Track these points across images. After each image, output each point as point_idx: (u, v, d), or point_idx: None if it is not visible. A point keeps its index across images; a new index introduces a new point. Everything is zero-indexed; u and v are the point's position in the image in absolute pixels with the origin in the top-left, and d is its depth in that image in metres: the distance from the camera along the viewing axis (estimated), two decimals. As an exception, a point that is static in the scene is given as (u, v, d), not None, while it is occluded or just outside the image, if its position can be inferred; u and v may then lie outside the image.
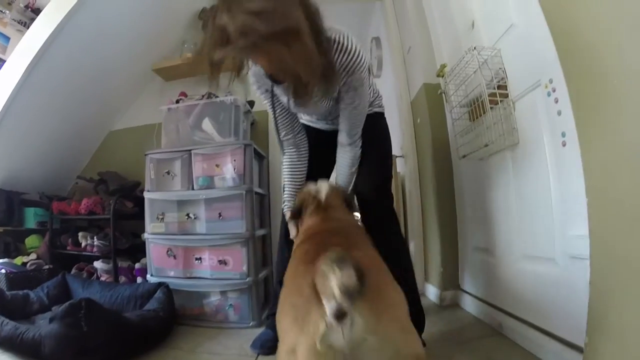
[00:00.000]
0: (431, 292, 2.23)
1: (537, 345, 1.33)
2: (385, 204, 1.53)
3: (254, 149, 2.11)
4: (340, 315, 0.63)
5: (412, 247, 2.45)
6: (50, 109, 2.49)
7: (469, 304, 1.92)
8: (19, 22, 2.76)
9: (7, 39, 2.73)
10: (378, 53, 3.13)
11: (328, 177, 1.54)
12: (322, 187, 1.28)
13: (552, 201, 1.31)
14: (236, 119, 2.13)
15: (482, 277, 1.83)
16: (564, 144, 1.23)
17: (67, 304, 1.50)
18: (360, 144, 1.44)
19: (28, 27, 2.73)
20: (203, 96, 2.25)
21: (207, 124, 2.11)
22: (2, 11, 2.70)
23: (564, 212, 1.25)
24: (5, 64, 2.37)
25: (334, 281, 0.62)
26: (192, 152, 2.08)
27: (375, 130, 1.54)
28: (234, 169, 1.97)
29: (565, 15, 1.11)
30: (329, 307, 0.63)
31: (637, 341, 0.88)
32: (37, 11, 2.79)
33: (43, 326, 1.62)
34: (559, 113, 1.23)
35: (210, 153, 2.05)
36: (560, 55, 1.14)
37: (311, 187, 1.30)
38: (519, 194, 1.52)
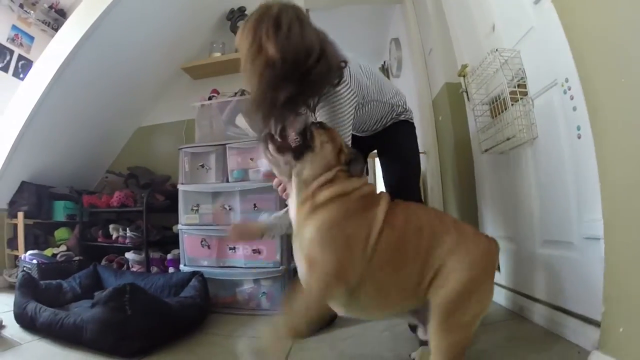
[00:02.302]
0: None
1: (557, 324, 1.52)
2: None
3: (287, 143, 2.31)
4: None
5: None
6: (80, 107, 2.71)
7: (492, 291, 2.12)
8: (43, 22, 2.98)
9: (32, 38, 2.95)
10: (398, 54, 3.36)
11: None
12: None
13: (568, 189, 1.50)
14: None
15: (505, 264, 2.03)
16: (579, 137, 1.42)
17: (111, 288, 1.61)
18: None
19: (52, 27, 2.98)
20: (236, 93, 2.48)
21: (240, 120, 2.33)
22: (26, 11, 2.91)
23: (580, 199, 1.44)
24: (36, 64, 2.61)
25: None
26: (227, 146, 2.29)
27: (400, 137, 1.76)
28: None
29: (579, 18, 1.30)
30: None
31: None
32: (60, 12, 3.03)
33: (84, 311, 1.75)
34: (574, 109, 1.42)
35: (245, 147, 2.27)
36: (575, 55, 1.34)
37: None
38: (538, 184, 1.72)
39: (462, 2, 2.28)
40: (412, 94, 2.82)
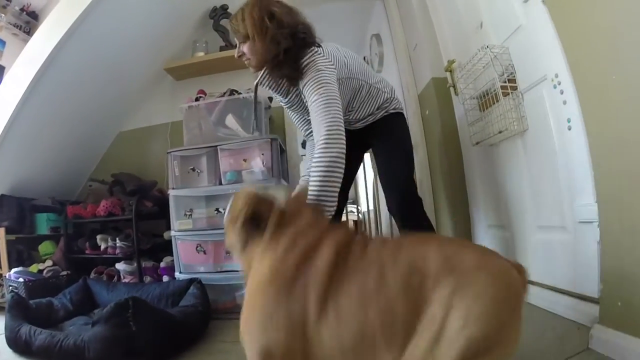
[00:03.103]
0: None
1: (553, 303, 1.65)
2: (414, 204, 1.77)
3: (279, 143, 2.35)
4: None
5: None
6: (59, 114, 2.63)
7: (485, 278, 2.25)
8: (14, 26, 2.86)
9: (3, 43, 2.83)
10: (379, 49, 3.44)
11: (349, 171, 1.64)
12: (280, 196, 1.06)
13: (559, 177, 1.62)
14: (259, 114, 2.35)
15: (498, 251, 2.15)
16: (569, 128, 1.53)
17: (112, 304, 1.56)
18: (321, 140, 1.35)
19: (24, 31, 2.87)
20: (224, 93, 2.48)
21: (230, 120, 2.34)
22: (-4, 15, 2.78)
23: (571, 185, 1.56)
24: (10, 71, 2.50)
25: None
26: (218, 147, 2.29)
27: (388, 128, 1.81)
28: (263, 163, 2.21)
29: (571, 16, 1.41)
30: None
31: None
32: (32, 14, 2.91)
33: (82, 330, 1.73)
34: (564, 102, 1.53)
35: (237, 148, 2.28)
36: (567, 52, 1.46)
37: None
38: (529, 174, 1.84)
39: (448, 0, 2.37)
40: (397, 89, 2.87)
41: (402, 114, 1.88)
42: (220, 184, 2.31)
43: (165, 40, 2.82)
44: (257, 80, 1.62)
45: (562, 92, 1.56)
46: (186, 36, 2.92)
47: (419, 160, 2.73)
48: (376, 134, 1.82)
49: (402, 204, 1.76)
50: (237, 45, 1.56)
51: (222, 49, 2.83)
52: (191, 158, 2.38)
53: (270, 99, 2.63)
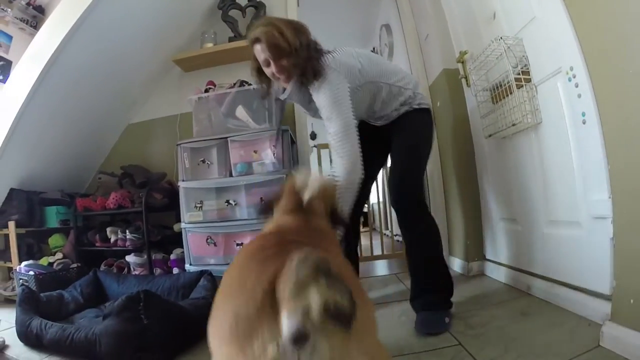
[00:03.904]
0: (457, 265, 2.58)
1: (565, 299, 1.66)
2: (409, 198, 1.76)
3: (290, 134, 2.37)
4: (300, 338, 0.50)
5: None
6: (67, 107, 2.66)
7: (496, 272, 2.26)
8: (21, 20, 2.88)
9: (10, 37, 2.85)
10: (389, 40, 3.42)
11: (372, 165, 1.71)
12: (298, 183, 1.13)
13: (574, 171, 1.62)
14: (270, 105, 2.36)
15: (509, 245, 2.17)
16: (584, 122, 1.52)
17: (123, 297, 1.55)
18: (341, 174, 1.50)
19: (30, 25, 2.88)
20: (234, 84, 2.48)
21: (241, 112, 2.34)
22: (3, 9, 2.80)
23: (585, 180, 1.56)
24: (17, 66, 2.53)
25: (315, 295, 0.49)
26: (229, 139, 2.31)
27: (407, 123, 1.82)
28: (274, 154, 2.22)
29: (587, 8, 1.40)
30: (287, 325, 0.50)
31: None
32: (39, 9, 2.93)
33: (93, 323, 1.75)
34: (579, 96, 1.52)
35: (247, 140, 2.29)
36: (583, 45, 1.45)
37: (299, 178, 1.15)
38: (542, 167, 1.84)
39: (461, -10, 2.35)
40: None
41: (425, 110, 1.86)
42: (231, 175, 2.32)
43: (173, 31, 2.83)
44: (284, 96, 1.73)
45: (577, 85, 1.55)
46: (194, 27, 2.93)
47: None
48: (395, 130, 1.85)
49: (399, 200, 1.77)
50: (271, 62, 1.58)
51: (230, 39, 2.84)
52: (201, 150, 2.40)
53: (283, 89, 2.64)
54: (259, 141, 2.28)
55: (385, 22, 3.57)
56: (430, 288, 1.73)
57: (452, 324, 1.65)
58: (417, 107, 1.82)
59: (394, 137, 1.85)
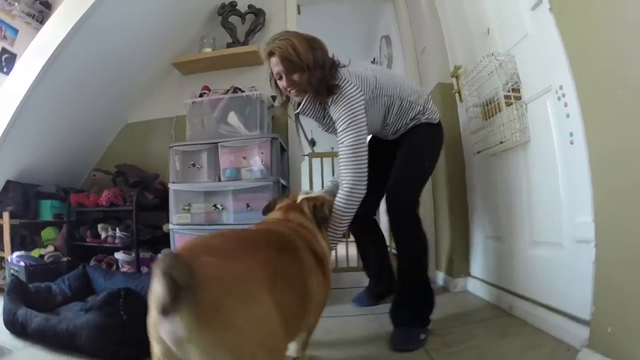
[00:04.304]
0: (442, 279, 2.49)
1: (545, 322, 1.57)
2: (402, 206, 1.71)
3: (280, 142, 2.32)
4: (164, 312, 0.68)
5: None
6: (67, 103, 2.63)
7: (480, 290, 2.18)
8: (27, 15, 2.88)
9: (16, 31, 2.84)
10: (388, 51, 3.37)
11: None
12: (301, 195, 1.46)
13: (559, 192, 1.55)
14: (261, 113, 2.34)
15: (494, 263, 2.09)
16: (571, 142, 1.46)
17: (105, 293, 1.57)
18: (345, 188, 1.55)
19: (37, 20, 2.87)
20: (228, 90, 2.44)
21: (232, 118, 2.31)
22: (10, 3, 2.80)
23: (571, 202, 1.48)
24: (21, 58, 2.51)
25: (154, 291, 0.68)
26: (219, 144, 2.27)
27: (414, 135, 1.80)
28: (262, 161, 2.18)
29: (578, 26, 1.34)
30: (155, 301, 0.68)
31: (635, 307, 1.11)
32: (45, 4, 2.92)
33: (76, 315, 1.73)
34: (568, 116, 1.46)
35: (237, 146, 2.25)
36: (572, 63, 1.38)
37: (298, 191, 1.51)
38: (529, 187, 1.77)
39: (457, 4, 2.30)
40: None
41: (432, 124, 1.83)
42: (220, 180, 2.28)
43: (173, 35, 2.80)
44: (297, 111, 1.73)
45: (566, 105, 1.49)
46: (194, 32, 2.89)
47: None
48: (402, 141, 1.83)
49: (392, 205, 1.71)
50: (283, 76, 1.60)
51: (229, 45, 2.80)
52: (192, 153, 2.36)
53: (274, 97, 2.59)
54: (249, 148, 2.24)
55: (386, 33, 3.53)
56: (409, 303, 1.66)
57: (427, 341, 1.58)
58: (425, 121, 1.79)
59: (399, 147, 1.82)
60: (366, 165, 1.56)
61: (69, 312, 1.94)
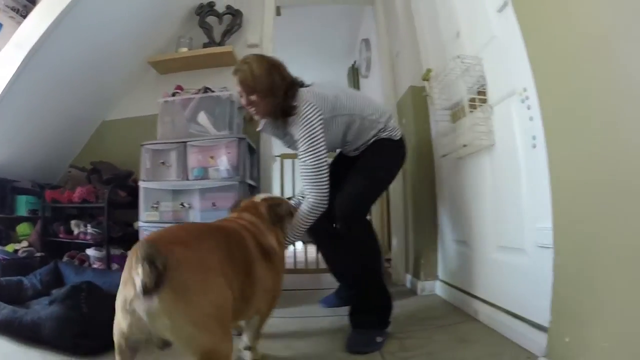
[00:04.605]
0: (410, 282, 2.39)
1: (509, 328, 1.48)
2: (351, 214, 1.63)
3: (247, 142, 2.23)
4: (144, 291, 0.78)
5: (394, 242, 2.61)
6: (45, 99, 2.52)
7: (447, 293, 2.08)
8: (12, 9, 2.77)
9: (0, 25, 2.74)
10: (367, 55, 3.27)
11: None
12: (262, 196, 1.54)
13: (522, 197, 1.46)
14: (231, 113, 2.27)
15: (460, 267, 1.99)
16: (534, 146, 1.37)
17: (68, 286, 1.55)
18: (308, 201, 1.58)
19: (21, 15, 2.76)
20: (199, 90, 2.34)
21: (202, 118, 2.22)
22: (-6, -3, 2.69)
23: (533, 206, 1.39)
24: (1, 53, 2.41)
25: (136, 275, 0.78)
26: (188, 143, 2.18)
27: (372, 148, 1.75)
28: (228, 161, 2.09)
29: (540, 29, 1.26)
30: (137, 281, 0.78)
31: (596, 319, 1.02)
32: (30, -2, 2.81)
33: (42, 309, 1.64)
34: (531, 119, 1.37)
35: (206, 145, 2.17)
36: (532, 65, 1.30)
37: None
38: (493, 191, 1.68)
39: (431, 7, 2.21)
40: (379, 95, 2.75)
41: (392, 140, 1.76)
42: (187, 179, 2.19)
43: (151, 33, 2.70)
44: (259, 129, 1.79)
45: (529, 108, 1.40)
46: (172, 31, 2.79)
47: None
48: (362, 155, 1.79)
49: (341, 212, 1.64)
50: (243, 95, 1.63)
51: (205, 45, 2.70)
52: (162, 152, 2.27)
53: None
54: (216, 147, 2.15)
55: (366, 36, 3.42)
56: (366, 307, 1.57)
57: (384, 343, 1.50)
58: (385, 137, 1.74)
59: (358, 160, 1.77)
60: (327, 181, 1.58)
61: (38, 306, 1.85)
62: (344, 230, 1.63)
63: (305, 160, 1.57)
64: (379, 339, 1.49)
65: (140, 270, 0.78)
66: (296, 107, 1.58)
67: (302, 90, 1.64)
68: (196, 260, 0.90)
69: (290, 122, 1.60)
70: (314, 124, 1.55)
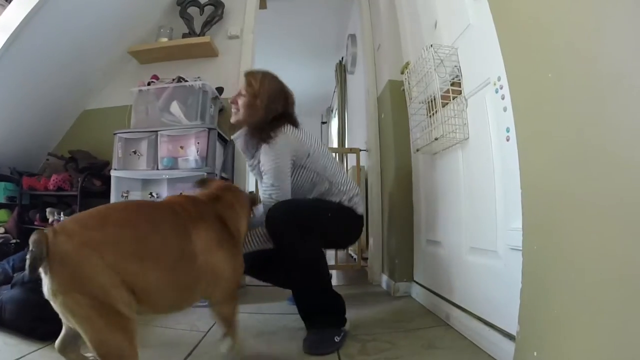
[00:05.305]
0: (385, 283, 2.21)
1: (479, 336, 1.31)
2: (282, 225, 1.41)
3: (218, 133, 2.07)
4: (30, 268, 0.78)
5: (370, 241, 2.43)
6: (25, 86, 2.37)
7: (420, 296, 1.90)
8: (4, -1, 2.64)
9: (-9, 14, 2.60)
10: (353, 50, 3.09)
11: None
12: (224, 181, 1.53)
13: (495, 195, 1.29)
14: (203, 103, 2.11)
15: (433, 269, 1.81)
16: (507, 139, 1.21)
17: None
18: (268, 192, 1.47)
19: (8, 2, 2.62)
20: (173, 80, 2.19)
21: (175, 107, 2.07)
22: (-16, -15, 2.56)
23: (506, 206, 1.22)
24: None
25: (29, 253, 0.78)
26: (159, 133, 2.03)
27: None
28: (197, 152, 1.95)
29: (511, 16, 1.09)
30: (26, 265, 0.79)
31: (566, 331, 0.85)
32: (20, -14, 2.66)
33: (4, 292, 1.58)
34: (505, 109, 1.21)
35: (176, 135, 2.02)
36: (504, 53, 1.13)
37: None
38: (467, 188, 1.50)
39: (412, -1, 2.01)
40: (361, 91, 2.57)
41: (352, 211, 1.58)
42: (157, 169, 2.02)
43: (132, 23, 2.54)
44: (233, 136, 1.63)
45: (503, 98, 1.23)
46: (154, 21, 2.63)
47: (372, 164, 2.39)
48: None
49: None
50: (240, 90, 1.56)
51: (184, 36, 2.54)
52: (134, 141, 2.11)
53: (219, 89, 2.33)
54: (186, 137, 1.99)
55: (353, 32, 3.23)
56: (318, 310, 1.40)
57: (344, 343, 1.35)
58: (347, 206, 1.57)
59: None
60: (289, 187, 1.48)
61: (7, 291, 1.68)
62: (276, 238, 1.40)
63: (271, 195, 1.45)
64: (337, 338, 1.33)
65: (28, 255, 0.78)
66: (272, 138, 1.45)
67: (288, 126, 1.50)
68: (76, 250, 0.83)
69: (262, 149, 1.48)
70: (283, 158, 1.45)
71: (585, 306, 0.81)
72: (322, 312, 1.39)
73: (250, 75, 1.57)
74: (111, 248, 0.86)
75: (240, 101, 1.54)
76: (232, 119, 1.60)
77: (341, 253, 3.06)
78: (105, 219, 0.92)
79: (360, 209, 1.62)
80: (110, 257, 0.85)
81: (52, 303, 0.84)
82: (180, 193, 1.89)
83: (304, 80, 5.31)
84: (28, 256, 0.77)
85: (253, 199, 1.47)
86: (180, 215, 1.06)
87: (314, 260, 1.41)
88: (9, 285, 1.82)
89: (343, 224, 1.57)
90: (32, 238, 0.78)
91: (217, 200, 1.23)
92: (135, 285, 0.88)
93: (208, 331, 1.50)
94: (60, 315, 0.87)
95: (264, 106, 1.50)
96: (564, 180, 0.87)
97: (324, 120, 6.91)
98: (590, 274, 0.79)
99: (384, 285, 2.24)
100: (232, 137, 1.64)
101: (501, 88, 1.24)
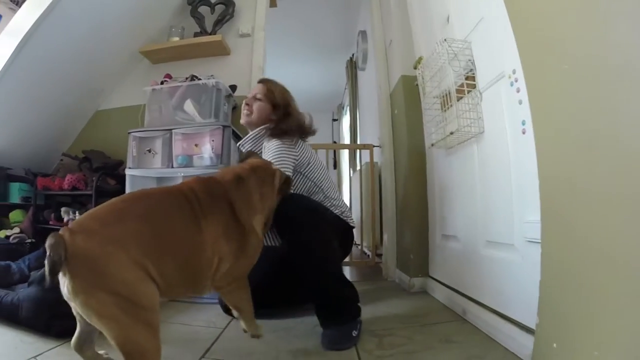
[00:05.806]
0: (400, 279, 2.23)
1: (496, 330, 1.32)
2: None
3: (233, 130, 2.11)
4: (49, 277, 0.78)
5: (385, 237, 2.45)
6: (38, 88, 2.44)
7: (437, 291, 1.92)
8: (11, 1, 2.70)
9: (-1, 16, 2.67)
10: (363, 46, 3.12)
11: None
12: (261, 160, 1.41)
13: (512, 188, 1.30)
14: (217, 101, 2.15)
15: (449, 264, 1.83)
16: (523, 132, 1.22)
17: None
18: None
19: (19, 5, 2.69)
20: (187, 78, 2.24)
21: (189, 105, 2.11)
22: (-6, -12, 2.63)
23: (522, 199, 1.24)
24: (-3, 43, 2.33)
25: (47, 259, 0.78)
26: (173, 131, 2.07)
27: None
28: (212, 149, 1.99)
29: (526, 7, 1.11)
30: (46, 268, 0.79)
31: (586, 323, 0.87)
32: (30, -11, 2.73)
33: (21, 290, 1.63)
34: (520, 102, 1.23)
35: (190, 133, 2.06)
36: (519, 45, 1.15)
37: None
38: (482, 182, 1.52)
39: (423, -8, 2.04)
40: (373, 87, 2.59)
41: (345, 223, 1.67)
42: (172, 167, 2.08)
43: (143, 23, 2.59)
44: (239, 143, 1.73)
45: (518, 90, 1.25)
46: (165, 21, 2.68)
47: (386, 160, 2.42)
48: None
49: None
50: (255, 94, 1.67)
51: (196, 34, 2.58)
52: (149, 139, 2.16)
53: (232, 87, 2.38)
54: (201, 135, 2.04)
55: (363, 28, 3.26)
56: (334, 301, 1.41)
57: (360, 337, 1.38)
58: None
59: None
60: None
61: (23, 290, 1.75)
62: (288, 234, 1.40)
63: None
64: (354, 333, 1.36)
65: (46, 260, 0.78)
66: (279, 136, 1.58)
67: (295, 138, 1.63)
68: (97, 248, 0.84)
69: (267, 143, 1.59)
70: (286, 151, 1.53)
71: (605, 297, 0.82)
72: (338, 303, 1.40)
73: (269, 83, 1.68)
74: (134, 242, 0.87)
75: (256, 105, 1.64)
76: (243, 120, 1.69)
77: (355, 250, 3.09)
78: (122, 214, 0.93)
79: (353, 223, 1.71)
80: (134, 252, 0.86)
81: (71, 303, 0.84)
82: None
83: (314, 77, 5.35)
84: (46, 261, 0.77)
85: (287, 179, 1.36)
86: (192, 202, 1.04)
87: (327, 242, 1.43)
88: (26, 284, 1.89)
89: (342, 229, 1.64)
90: (49, 242, 0.78)
91: (238, 182, 1.15)
92: (157, 277, 0.89)
93: (225, 327, 1.54)
94: (80, 315, 0.87)
95: (278, 118, 1.62)
96: (582, 171, 0.89)
97: (335, 118, 6.94)
98: (610, 265, 0.81)
99: (398, 281, 2.26)
100: (237, 144, 1.74)
101: (516, 81, 1.25)
